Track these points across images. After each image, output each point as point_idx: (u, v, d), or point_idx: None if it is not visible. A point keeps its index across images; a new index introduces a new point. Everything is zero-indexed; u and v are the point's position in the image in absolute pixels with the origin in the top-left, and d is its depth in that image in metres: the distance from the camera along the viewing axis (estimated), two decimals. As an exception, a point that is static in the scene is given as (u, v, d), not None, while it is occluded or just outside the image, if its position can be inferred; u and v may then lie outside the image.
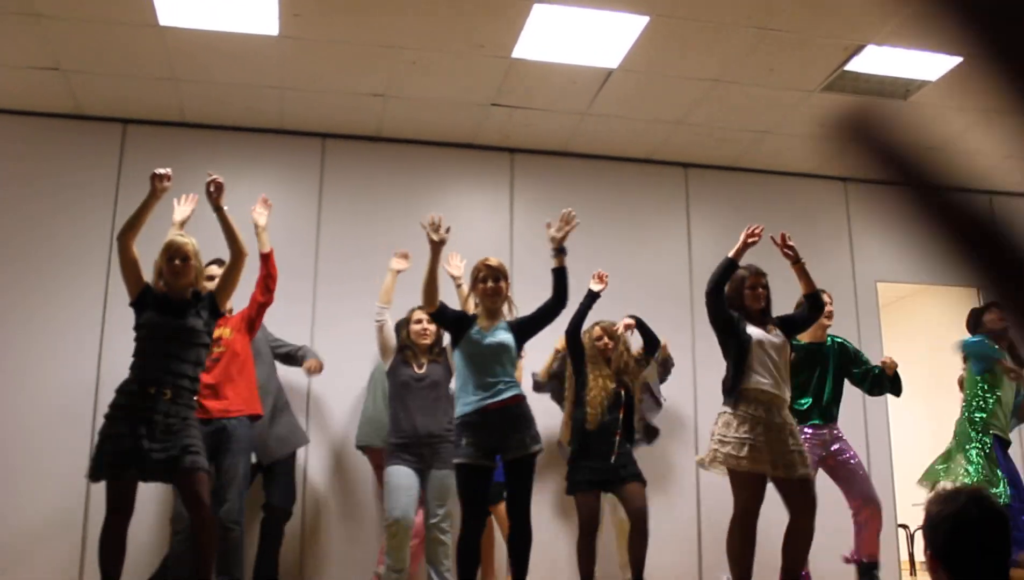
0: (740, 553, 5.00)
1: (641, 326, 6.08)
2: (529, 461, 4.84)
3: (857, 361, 6.26)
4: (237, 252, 4.77)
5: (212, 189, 4.78)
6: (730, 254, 5.20)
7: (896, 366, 6.16)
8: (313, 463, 6.52)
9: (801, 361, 6.01)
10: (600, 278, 5.81)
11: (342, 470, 6.58)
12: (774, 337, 5.14)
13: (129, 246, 4.57)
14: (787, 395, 5.09)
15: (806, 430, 6.02)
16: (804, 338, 6.16)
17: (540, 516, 5.91)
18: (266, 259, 5.42)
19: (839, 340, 6.33)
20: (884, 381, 6.21)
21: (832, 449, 6.05)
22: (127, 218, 4.65)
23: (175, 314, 4.53)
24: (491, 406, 4.82)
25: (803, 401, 6.08)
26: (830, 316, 6.17)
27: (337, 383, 6.62)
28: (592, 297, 5.73)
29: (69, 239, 6.59)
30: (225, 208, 4.77)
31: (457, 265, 6.00)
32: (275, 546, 5.82)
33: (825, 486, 5.97)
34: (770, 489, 6.36)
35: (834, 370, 6.19)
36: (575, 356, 5.71)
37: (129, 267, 4.60)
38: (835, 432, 6.12)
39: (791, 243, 5.25)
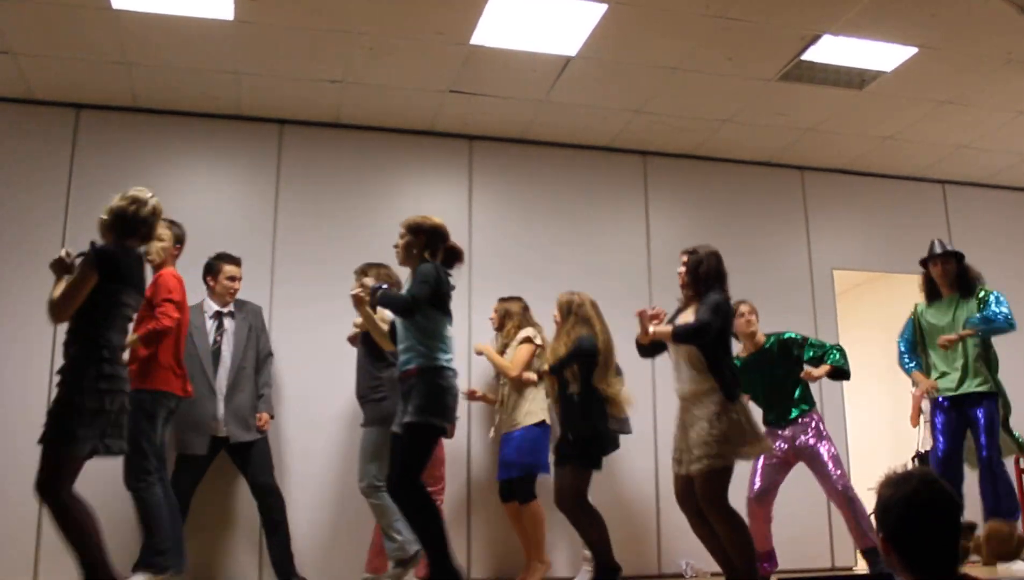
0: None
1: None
2: (403, 433, 4.76)
3: (804, 346, 6.11)
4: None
5: None
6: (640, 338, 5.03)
7: (814, 377, 6.02)
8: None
9: (746, 375, 5.92)
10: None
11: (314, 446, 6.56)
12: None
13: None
14: (687, 390, 4.88)
15: (777, 432, 6.08)
16: (741, 353, 6.16)
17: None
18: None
19: (775, 337, 6.17)
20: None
21: (797, 444, 6.00)
22: (58, 301, 4.24)
23: None
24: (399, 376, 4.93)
25: (766, 411, 6.17)
26: (744, 325, 6.12)
27: (297, 367, 6.62)
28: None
29: (21, 226, 6.48)
30: None
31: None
32: (269, 522, 5.93)
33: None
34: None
35: (776, 370, 6.10)
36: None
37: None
38: (798, 428, 6.03)
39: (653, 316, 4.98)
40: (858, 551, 6.20)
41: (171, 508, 5.24)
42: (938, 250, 6.12)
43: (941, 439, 6.01)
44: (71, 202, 6.64)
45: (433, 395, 4.70)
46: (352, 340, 6.11)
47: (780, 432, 6.04)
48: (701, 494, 4.76)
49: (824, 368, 5.96)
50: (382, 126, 7.31)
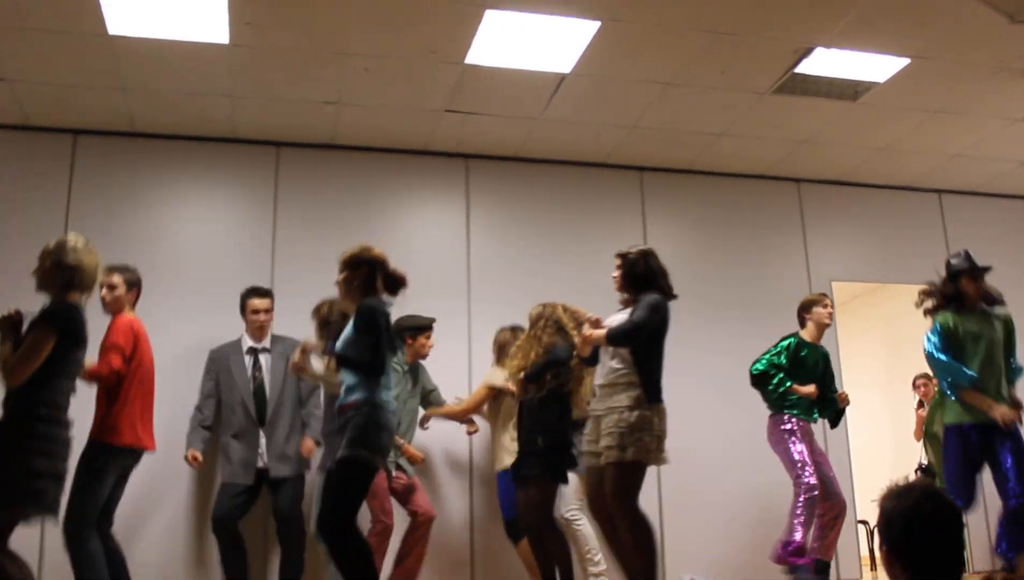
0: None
1: None
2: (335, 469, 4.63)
3: (831, 379, 6.51)
4: None
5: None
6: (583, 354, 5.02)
7: (848, 402, 6.49)
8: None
9: (808, 358, 6.33)
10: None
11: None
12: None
13: None
14: (607, 380, 4.82)
15: (795, 422, 6.19)
16: (808, 337, 6.44)
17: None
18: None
19: (824, 349, 6.54)
20: (832, 408, 6.48)
21: (815, 449, 6.26)
22: (15, 363, 4.20)
23: None
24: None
25: (808, 406, 6.29)
26: (830, 317, 6.49)
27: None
28: None
29: (19, 252, 6.44)
30: None
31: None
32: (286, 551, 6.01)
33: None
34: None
35: (823, 371, 6.42)
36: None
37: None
38: (813, 431, 6.36)
39: None
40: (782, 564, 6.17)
41: (117, 561, 5.17)
42: (978, 265, 5.69)
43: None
44: (69, 227, 6.62)
45: (368, 430, 4.52)
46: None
47: (806, 426, 6.25)
48: (609, 489, 4.65)
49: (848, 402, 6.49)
50: (378, 146, 7.33)
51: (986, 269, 5.69)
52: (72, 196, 6.72)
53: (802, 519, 5.98)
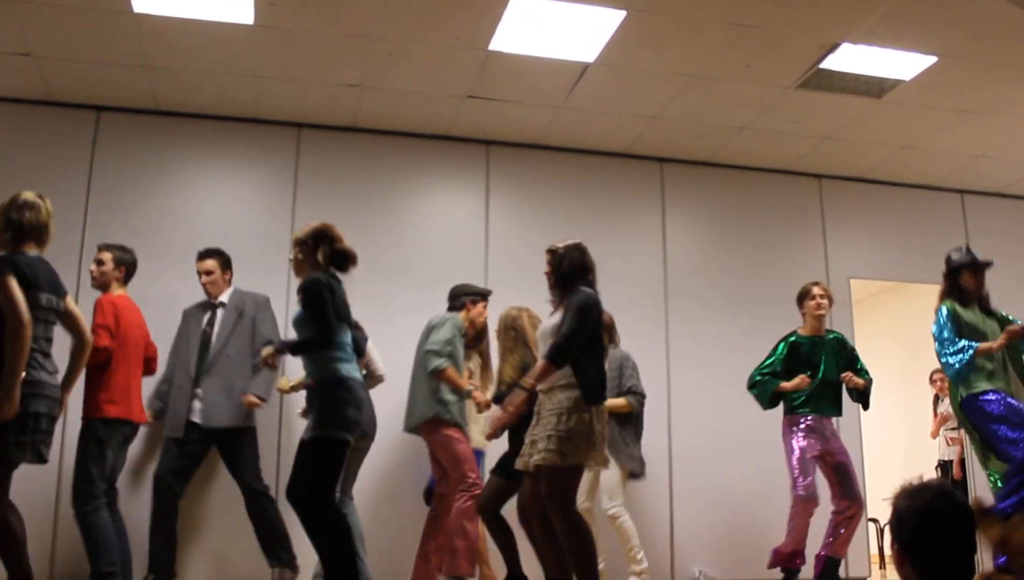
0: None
1: None
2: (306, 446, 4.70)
3: (855, 358, 6.38)
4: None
5: None
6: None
7: (853, 382, 6.22)
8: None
9: (804, 353, 6.21)
10: None
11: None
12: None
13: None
14: (545, 384, 4.61)
15: (806, 420, 6.12)
16: (804, 331, 6.33)
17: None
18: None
19: (836, 335, 6.44)
20: (854, 393, 6.37)
21: (831, 446, 6.14)
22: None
23: None
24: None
25: (806, 399, 6.18)
26: (819, 307, 6.29)
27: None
28: None
29: (40, 226, 6.51)
30: None
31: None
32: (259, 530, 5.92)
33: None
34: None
35: (829, 362, 6.25)
36: None
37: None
38: (829, 427, 6.23)
39: None
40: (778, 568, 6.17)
41: (119, 531, 5.43)
42: (980, 259, 5.71)
43: None
44: (91, 203, 6.68)
45: (331, 407, 4.59)
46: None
47: (818, 423, 6.15)
48: (544, 492, 4.52)
49: (860, 381, 6.19)
50: (399, 130, 7.33)
51: (987, 264, 5.66)
52: (94, 172, 6.76)
53: (792, 523, 6.02)
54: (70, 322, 4.57)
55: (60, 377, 4.43)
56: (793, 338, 6.33)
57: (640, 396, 6.23)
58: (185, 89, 6.69)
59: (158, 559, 5.68)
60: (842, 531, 6.10)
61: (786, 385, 6.14)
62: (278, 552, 5.80)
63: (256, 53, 6.20)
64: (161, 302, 6.23)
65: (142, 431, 5.85)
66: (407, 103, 6.91)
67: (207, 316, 6.15)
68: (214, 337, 6.06)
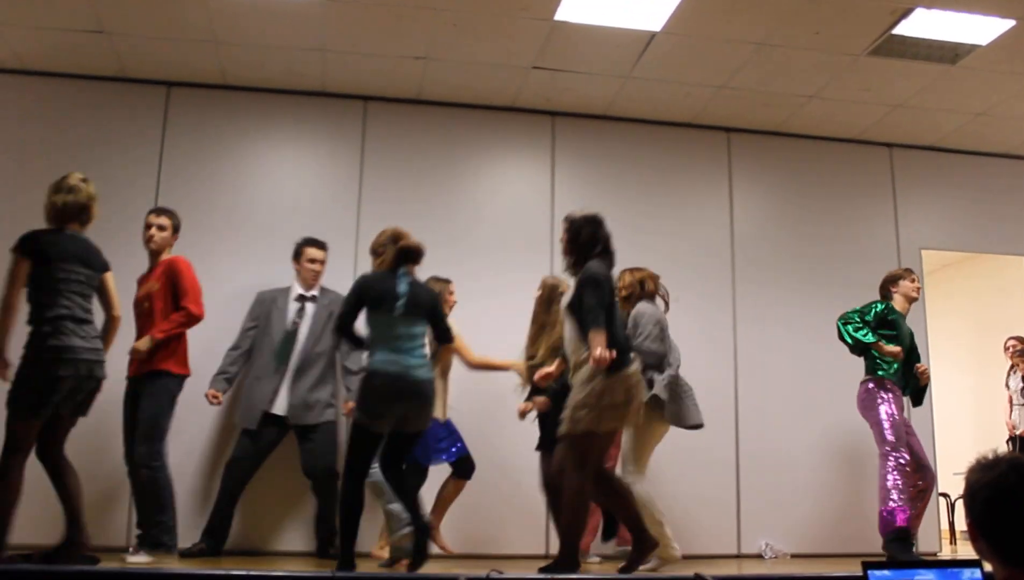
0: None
1: None
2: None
3: (915, 355, 6.38)
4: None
5: None
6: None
7: (928, 378, 6.41)
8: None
9: (897, 325, 6.21)
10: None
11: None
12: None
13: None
14: (572, 360, 4.87)
15: (895, 387, 6.12)
16: (900, 307, 6.32)
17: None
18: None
19: (910, 329, 6.44)
20: (914, 384, 6.37)
21: (907, 420, 6.17)
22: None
23: None
24: None
25: (893, 363, 6.14)
26: (917, 290, 6.39)
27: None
28: None
29: (114, 201, 6.61)
30: None
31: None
32: (323, 506, 6.07)
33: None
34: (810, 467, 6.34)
35: (909, 348, 6.28)
36: None
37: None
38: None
39: None
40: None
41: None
42: None
43: None
44: (162, 177, 6.81)
45: (362, 396, 4.88)
46: None
47: (900, 396, 6.14)
48: (557, 458, 4.73)
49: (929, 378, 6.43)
50: (465, 102, 7.34)
51: None
52: (165, 146, 6.88)
53: (897, 484, 5.80)
54: (104, 297, 4.93)
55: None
56: (887, 306, 6.28)
57: (650, 355, 5.65)
58: (253, 64, 6.77)
59: (213, 533, 5.87)
60: (917, 505, 6.02)
61: (883, 347, 6.06)
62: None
63: (322, 27, 6.25)
64: (233, 272, 6.36)
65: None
66: (472, 75, 6.91)
67: (296, 307, 6.24)
68: (304, 332, 6.17)
